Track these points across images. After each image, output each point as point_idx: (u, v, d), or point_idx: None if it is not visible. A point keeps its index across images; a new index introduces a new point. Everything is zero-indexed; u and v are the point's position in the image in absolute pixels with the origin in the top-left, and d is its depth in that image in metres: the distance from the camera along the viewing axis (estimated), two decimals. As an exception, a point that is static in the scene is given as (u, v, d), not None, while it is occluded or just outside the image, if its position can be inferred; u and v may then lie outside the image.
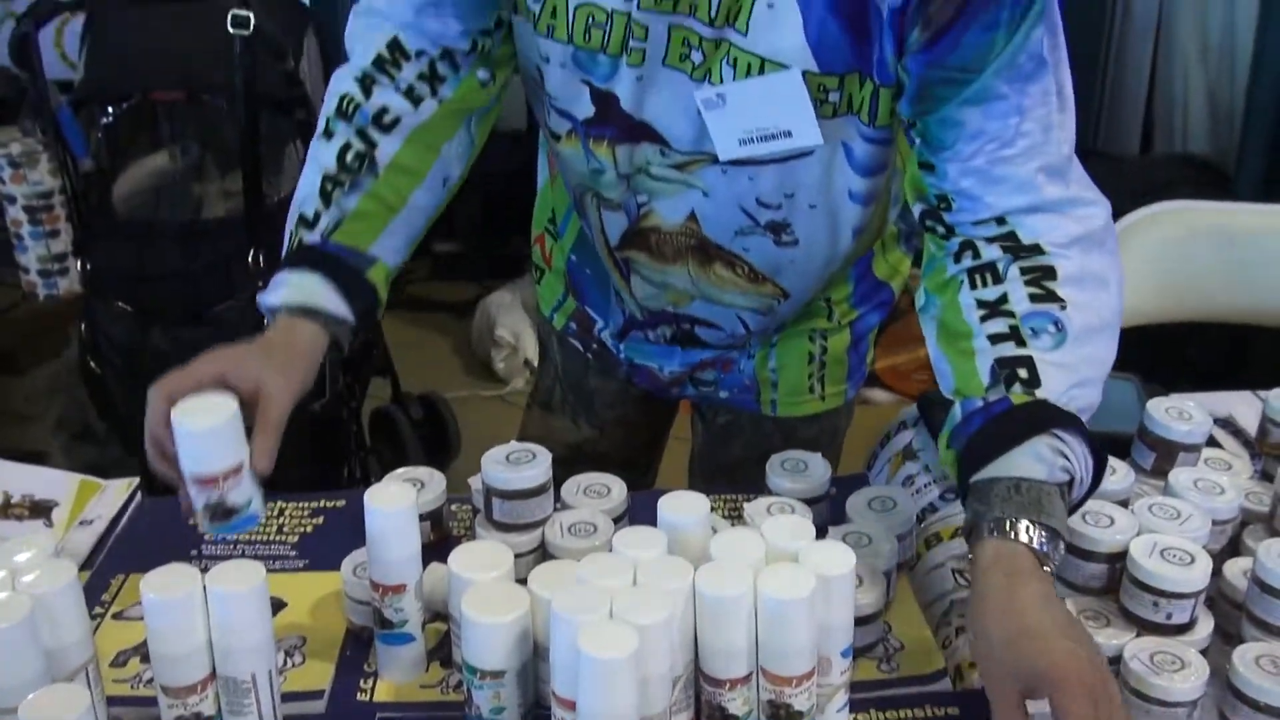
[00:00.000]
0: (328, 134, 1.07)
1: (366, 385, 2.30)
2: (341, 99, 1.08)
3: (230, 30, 1.71)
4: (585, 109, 1.07)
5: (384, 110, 1.07)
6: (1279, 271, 1.75)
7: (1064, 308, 0.92)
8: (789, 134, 1.00)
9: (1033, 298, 0.93)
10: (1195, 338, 1.93)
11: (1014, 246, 0.95)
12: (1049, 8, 0.92)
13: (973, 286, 0.96)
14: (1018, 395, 0.90)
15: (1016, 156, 0.95)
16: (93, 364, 1.87)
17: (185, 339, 1.80)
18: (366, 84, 1.08)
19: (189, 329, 1.81)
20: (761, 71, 0.97)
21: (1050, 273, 0.93)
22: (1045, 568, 0.85)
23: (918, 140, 0.99)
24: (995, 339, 0.93)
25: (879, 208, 1.16)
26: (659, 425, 1.52)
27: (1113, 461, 1.07)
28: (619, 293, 1.26)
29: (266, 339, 0.99)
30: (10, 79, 2.33)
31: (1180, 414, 1.14)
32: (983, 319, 0.94)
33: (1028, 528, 0.85)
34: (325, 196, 1.05)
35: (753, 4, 0.95)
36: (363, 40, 1.10)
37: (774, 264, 1.14)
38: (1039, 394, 0.90)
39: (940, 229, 1.00)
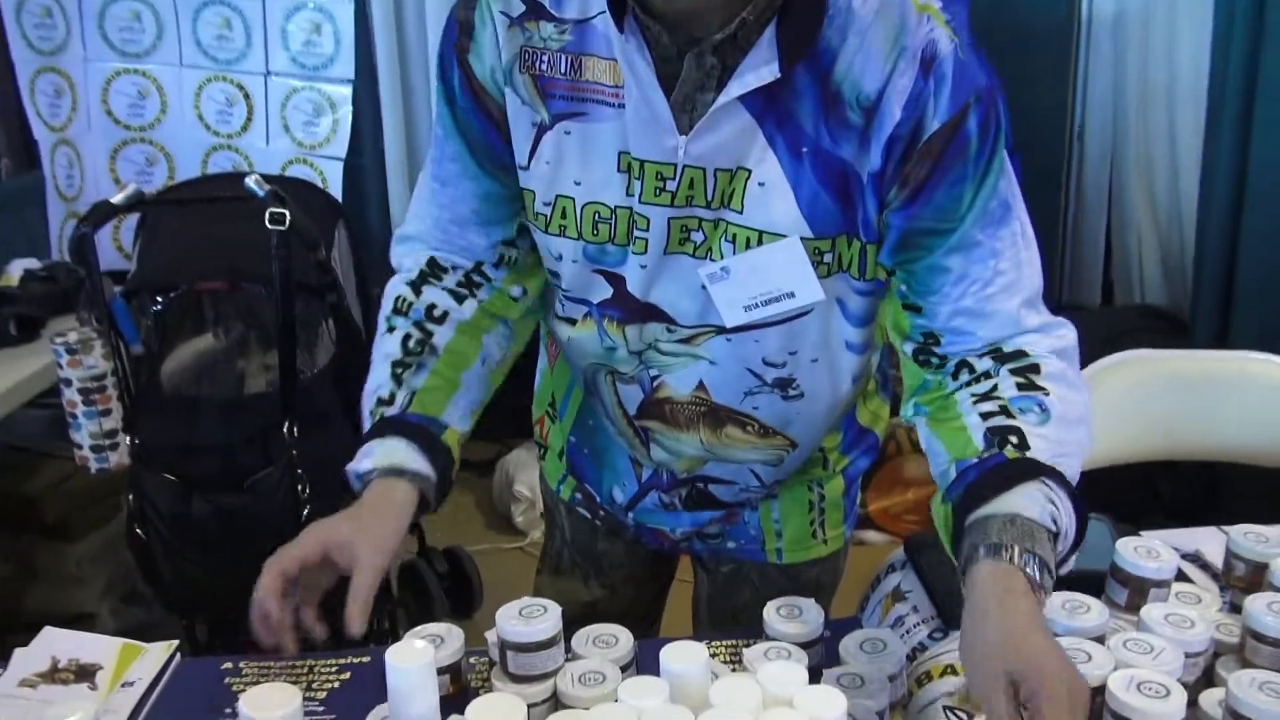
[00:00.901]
0: (390, 329, 1.14)
1: (394, 543, 2.28)
2: (396, 299, 1.15)
3: (269, 226, 1.76)
4: (601, 292, 1.10)
5: (433, 305, 1.13)
6: (1234, 412, 1.75)
7: (1047, 395, 0.98)
8: (792, 294, 1.03)
9: (1019, 386, 0.99)
10: (1164, 475, 1.92)
11: (1002, 355, 1.02)
12: (1006, 161, 0.99)
13: (965, 386, 1.02)
14: (1011, 452, 0.95)
15: (998, 294, 1.01)
16: (139, 531, 1.87)
17: (225, 506, 1.81)
18: (416, 287, 1.15)
19: (228, 496, 1.81)
20: (760, 243, 1.01)
21: (1035, 369, 1.00)
22: (1036, 594, 0.87)
23: (903, 286, 1.04)
24: (986, 415, 0.98)
25: (871, 354, 1.20)
26: (665, 576, 1.51)
27: (1087, 599, 1.07)
28: (637, 460, 1.26)
29: (362, 504, 1.04)
30: (70, 272, 2.40)
31: (1149, 552, 1.13)
32: (974, 403, 1.00)
33: (1022, 553, 0.88)
34: (396, 379, 1.10)
35: (745, 186, 0.99)
36: (408, 258, 1.18)
37: (783, 418, 1.15)
38: (1029, 455, 0.94)
39: (934, 360, 1.06)
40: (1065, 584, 1.02)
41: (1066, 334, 1.04)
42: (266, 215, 1.76)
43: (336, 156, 3.31)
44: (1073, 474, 0.96)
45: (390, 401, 1.09)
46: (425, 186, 1.16)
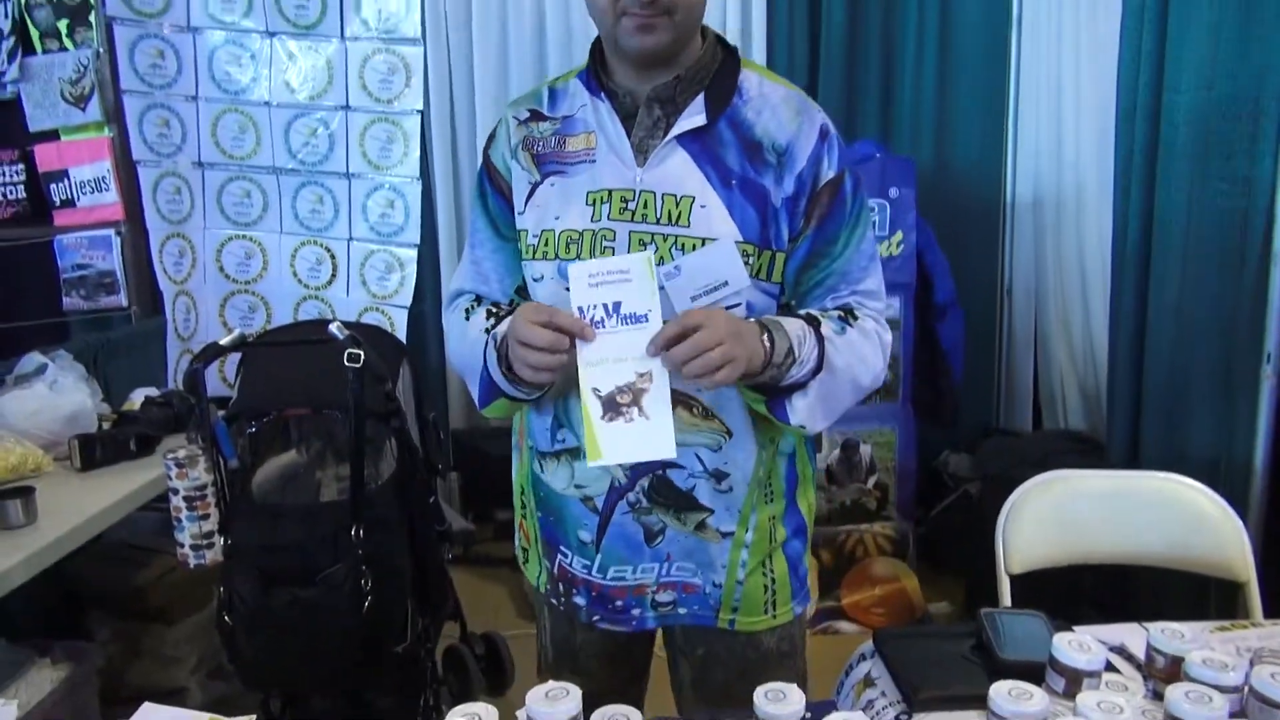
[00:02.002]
0: (468, 316, 1.30)
1: (440, 628, 2.23)
2: (467, 309, 1.31)
3: (346, 363, 1.77)
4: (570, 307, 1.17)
5: (490, 309, 1.30)
6: (1144, 523, 1.73)
7: (854, 323, 1.20)
8: (727, 283, 1.12)
9: (840, 318, 1.20)
10: (1089, 574, 1.88)
11: (845, 307, 1.23)
12: (869, 224, 1.25)
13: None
14: (813, 314, 1.19)
15: (864, 297, 1.23)
16: (226, 618, 1.83)
17: (299, 597, 1.77)
18: (478, 301, 1.32)
19: (302, 589, 1.77)
20: (704, 244, 1.14)
21: (851, 314, 1.21)
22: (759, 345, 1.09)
23: (793, 293, 1.22)
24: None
25: None
26: (641, 659, 1.45)
27: (1030, 687, 1.03)
28: (589, 497, 1.25)
29: (523, 308, 1.14)
30: (182, 399, 2.41)
31: (1081, 646, 1.10)
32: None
33: (763, 326, 1.12)
34: (492, 315, 1.27)
35: (690, 207, 1.15)
36: (452, 309, 1.35)
37: (716, 400, 1.20)
38: (823, 329, 1.17)
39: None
40: (1010, 673, 1.01)
41: (885, 330, 1.23)
42: (345, 355, 1.77)
43: (403, 305, 3.36)
44: (836, 361, 1.16)
45: (491, 317, 1.26)
46: (465, 260, 1.35)
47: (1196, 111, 2.28)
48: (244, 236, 3.37)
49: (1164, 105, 2.39)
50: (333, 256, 3.37)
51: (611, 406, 1.07)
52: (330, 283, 3.38)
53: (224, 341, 1.81)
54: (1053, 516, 1.74)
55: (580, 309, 1.08)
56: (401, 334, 3.31)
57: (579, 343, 1.08)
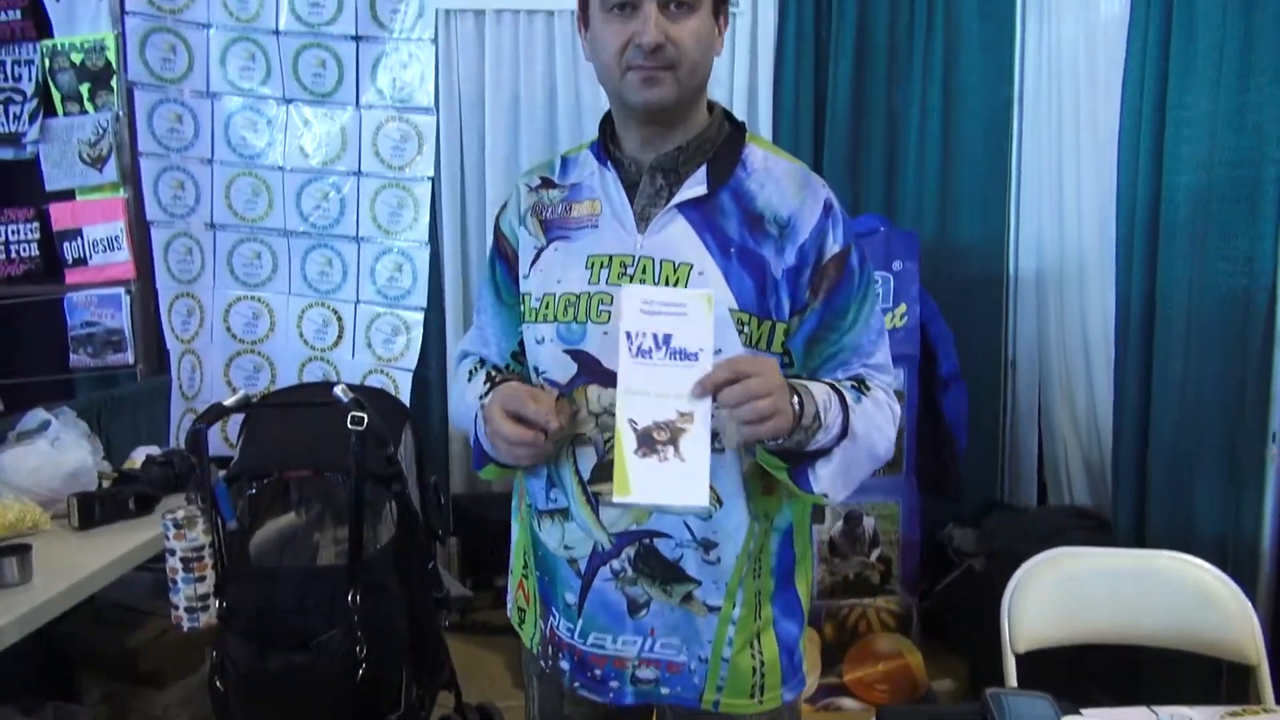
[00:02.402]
0: (470, 377, 1.34)
1: (435, 697, 2.19)
2: (471, 368, 1.36)
3: (349, 426, 1.77)
4: (569, 371, 1.20)
5: (491, 371, 1.34)
6: (1150, 603, 1.71)
7: (868, 393, 1.20)
8: (719, 350, 1.10)
9: (853, 387, 1.20)
10: (1095, 653, 1.85)
11: (856, 377, 1.23)
12: (877, 292, 1.31)
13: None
14: (839, 383, 1.20)
15: (874, 370, 1.24)
16: (218, 683, 1.80)
17: (293, 662, 1.75)
18: (480, 363, 1.37)
19: (297, 654, 1.75)
20: None
21: (864, 385, 1.22)
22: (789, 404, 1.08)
23: (802, 364, 1.22)
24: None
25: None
26: None
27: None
28: (590, 531, 1.22)
29: (504, 388, 1.19)
30: (183, 459, 2.41)
31: (1087, 730, 1.07)
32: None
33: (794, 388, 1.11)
34: (489, 380, 1.30)
35: (689, 274, 1.16)
36: (457, 366, 1.41)
37: (710, 467, 1.13)
38: (846, 396, 1.18)
39: None
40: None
41: (895, 402, 1.24)
42: (348, 418, 1.78)
43: (408, 368, 3.37)
44: (858, 428, 1.16)
45: (489, 381, 1.29)
46: (474, 325, 1.41)
47: (1196, 192, 2.31)
48: (252, 297, 3.40)
49: (1164, 186, 2.43)
50: (339, 318, 3.39)
51: (646, 442, 1.03)
52: (336, 344, 3.39)
53: (228, 402, 1.81)
54: (1059, 594, 1.72)
55: (629, 334, 1.05)
56: (405, 397, 3.31)
57: (620, 368, 1.06)
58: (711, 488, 1.16)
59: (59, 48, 3.19)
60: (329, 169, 3.34)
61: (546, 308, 1.22)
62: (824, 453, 1.15)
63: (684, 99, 1.18)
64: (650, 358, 1.04)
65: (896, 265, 2.82)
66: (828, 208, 1.20)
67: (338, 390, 1.80)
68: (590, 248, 1.21)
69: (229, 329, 3.39)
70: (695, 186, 1.19)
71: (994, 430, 3.38)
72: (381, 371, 3.37)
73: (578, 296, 1.20)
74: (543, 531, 1.27)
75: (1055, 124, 3.07)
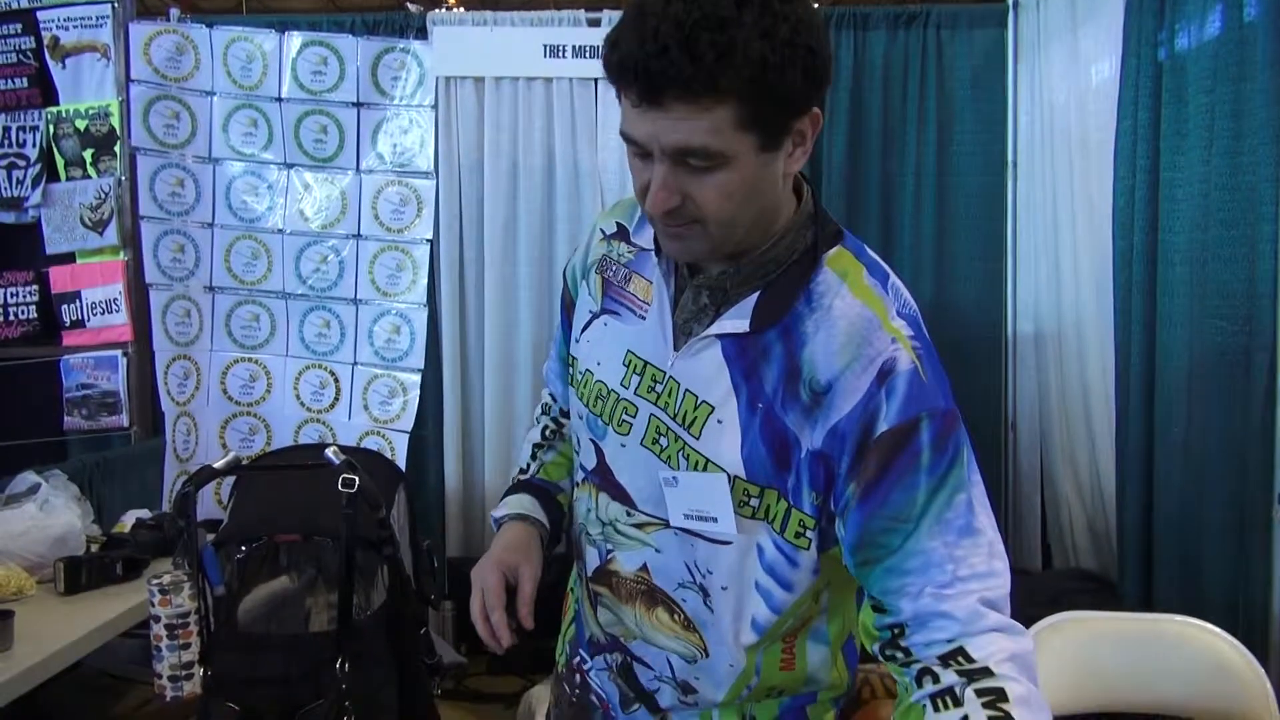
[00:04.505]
0: (536, 421, 1.32)
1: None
2: (543, 403, 1.33)
3: (340, 489, 1.74)
4: (591, 459, 1.10)
5: (564, 410, 1.29)
6: (1160, 669, 1.66)
7: (1006, 709, 0.85)
8: (715, 520, 0.99)
9: (986, 705, 0.85)
10: (1108, 725, 1.80)
11: (967, 670, 0.87)
12: (967, 482, 0.91)
13: (935, 710, 0.87)
14: None
15: (957, 595, 0.88)
16: (202, 755, 1.74)
17: (279, 734, 1.69)
18: (553, 394, 1.32)
19: (282, 725, 1.70)
20: (705, 468, 0.98)
21: (1002, 694, 0.85)
22: None
23: (868, 587, 0.94)
24: None
25: (784, 630, 1.06)
26: None
27: None
28: (586, 618, 1.18)
29: (504, 540, 1.15)
30: (173, 521, 2.37)
31: (1101, 804, 1.02)
32: None
33: None
34: (534, 456, 1.28)
35: (706, 419, 0.98)
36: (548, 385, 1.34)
37: (701, 619, 1.06)
38: None
39: (900, 655, 0.92)
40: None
41: (1025, 642, 0.89)
42: (339, 480, 1.75)
43: (404, 430, 3.34)
44: None
45: (526, 470, 1.26)
46: (553, 349, 1.32)
47: (1192, 252, 2.31)
48: (250, 359, 3.38)
49: (1160, 246, 2.43)
50: (337, 380, 3.37)
51: None
52: (333, 406, 3.37)
53: (217, 464, 1.79)
54: (1068, 660, 1.66)
55: None
56: (401, 459, 3.28)
57: None
58: (699, 635, 1.06)
59: (64, 114, 3.23)
60: (329, 232, 3.35)
61: (585, 385, 1.09)
62: None
63: (724, 248, 0.96)
64: None
65: (894, 326, 2.81)
66: (884, 374, 0.91)
67: (329, 452, 1.78)
68: (634, 342, 1.04)
69: (225, 391, 3.37)
70: (737, 319, 0.96)
71: (996, 492, 3.34)
72: (378, 433, 3.35)
73: (609, 393, 1.06)
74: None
75: (1050, 187, 3.09)
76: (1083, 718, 1.68)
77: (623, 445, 1.05)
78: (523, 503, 1.21)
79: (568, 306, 1.19)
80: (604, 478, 1.09)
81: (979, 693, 0.86)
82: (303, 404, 3.38)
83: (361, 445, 3.28)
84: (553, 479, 1.26)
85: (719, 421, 0.97)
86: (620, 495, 1.07)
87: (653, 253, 1.05)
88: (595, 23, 3.27)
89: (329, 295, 3.36)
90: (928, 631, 0.89)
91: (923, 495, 0.89)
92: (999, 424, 3.34)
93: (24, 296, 3.25)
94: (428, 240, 3.33)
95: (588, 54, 3.23)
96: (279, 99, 3.30)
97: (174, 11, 3.30)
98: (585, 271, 1.14)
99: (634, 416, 1.03)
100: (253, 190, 3.35)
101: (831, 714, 1.14)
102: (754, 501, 0.97)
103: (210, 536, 1.88)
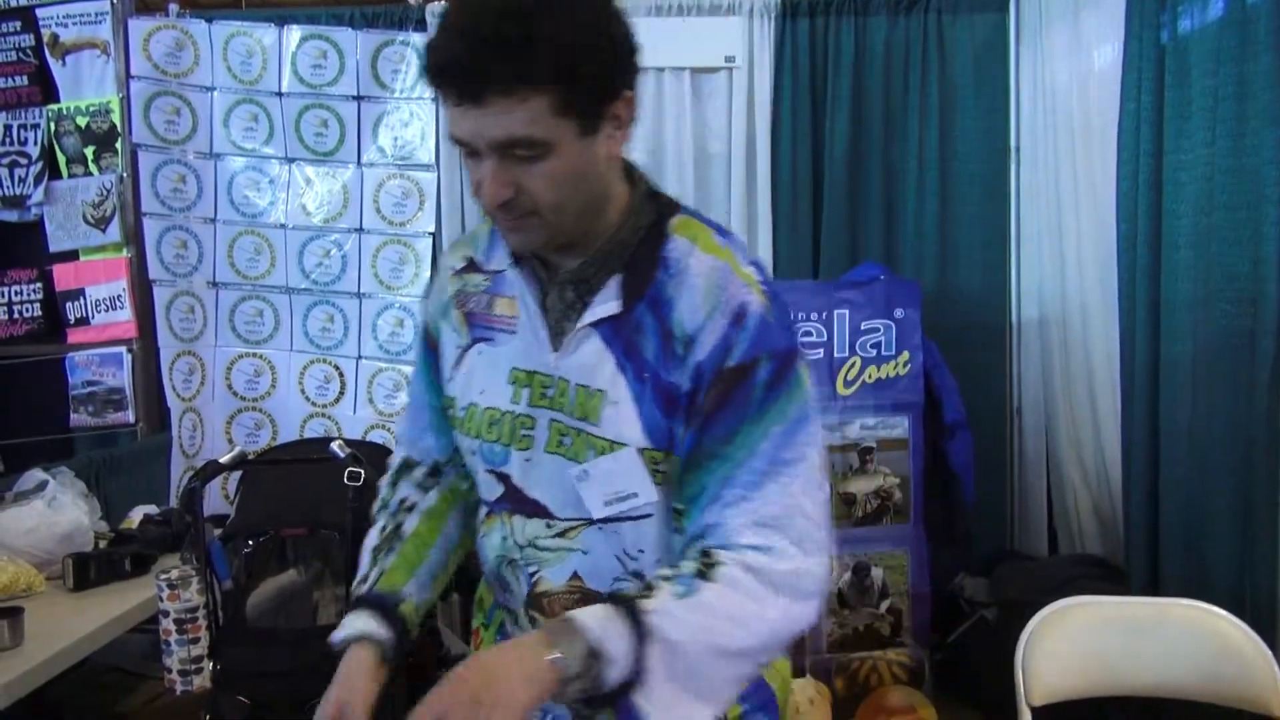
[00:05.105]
0: (374, 521, 1.20)
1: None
2: (380, 499, 1.22)
3: (346, 482, 1.74)
4: (495, 490, 1.10)
5: (404, 499, 1.20)
6: (1167, 653, 1.66)
7: (705, 583, 0.93)
8: (636, 494, 1.02)
9: (696, 572, 0.94)
10: (1113, 706, 1.79)
11: (705, 553, 0.96)
12: (795, 422, 0.98)
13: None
14: (628, 593, 0.94)
15: (737, 514, 0.96)
16: (212, 748, 1.75)
17: (288, 727, 1.70)
18: (393, 483, 1.22)
19: (291, 718, 1.70)
20: (612, 450, 1.01)
21: (714, 566, 0.95)
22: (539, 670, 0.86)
23: (676, 497, 1.03)
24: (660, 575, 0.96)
25: None
26: None
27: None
28: None
29: (343, 670, 1.08)
30: (181, 517, 2.38)
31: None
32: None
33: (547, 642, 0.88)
34: (373, 561, 1.16)
35: (601, 404, 1.01)
36: (394, 458, 1.25)
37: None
38: (641, 602, 0.91)
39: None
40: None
41: (784, 564, 0.95)
42: (345, 474, 1.75)
43: (409, 423, 3.34)
44: (674, 636, 0.90)
45: (365, 581, 1.15)
46: (409, 410, 1.24)
47: (1197, 235, 2.30)
48: (254, 354, 3.38)
49: (1164, 230, 2.42)
50: (341, 374, 3.37)
51: None
52: (338, 400, 3.37)
53: (223, 459, 1.79)
54: (1075, 645, 1.67)
55: None
56: (407, 452, 3.28)
57: None
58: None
59: (64, 112, 3.23)
60: (331, 226, 3.35)
61: (470, 419, 1.09)
62: (631, 685, 0.89)
63: (561, 234, 1.00)
64: None
65: (898, 313, 2.80)
66: (739, 315, 0.98)
67: (334, 446, 1.78)
68: (514, 358, 1.06)
69: (230, 387, 3.37)
70: (607, 303, 1.01)
71: (1002, 478, 3.33)
72: (383, 426, 3.35)
73: (501, 415, 1.06)
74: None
75: (1053, 171, 3.08)
76: (1090, 702, 1.68)
77: (528, 460, 1.06)
78: (358, 622, 1.10)
79: (432, 349, 1.16)
80: (514, 501, 1.08)
81: (699, 562, 0.95)
82: (308, 398, 3.38)
83: (367, 439, 3.28)
84: (395, 586, 1.14)
85: (614, 403, 1.01)
86: (536, 510, 1.07)
87: (508, 271, 1.08)
88: (595, 12, 3.26)
89: (332, 289, 3.36)
90: (702, 541, 0.98)
91: (746, 425, 0.97)
92: (1004, 410, 3.33)
93: (28, 295, 3.25)
94: (430, 233, 3.33)
95: (588, 44, 3.22)
96: (279, 93, 3.29)
97: (173, 7, 3.29)
98: (444, 311, 1.14)
99: (532, 429, 1.05)
100: (254, 185, 3.35)
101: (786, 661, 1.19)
102: (662, 467, 1.02)
103: (217, 531, 1.89)
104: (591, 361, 1.02)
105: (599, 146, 0.96)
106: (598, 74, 0.91)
